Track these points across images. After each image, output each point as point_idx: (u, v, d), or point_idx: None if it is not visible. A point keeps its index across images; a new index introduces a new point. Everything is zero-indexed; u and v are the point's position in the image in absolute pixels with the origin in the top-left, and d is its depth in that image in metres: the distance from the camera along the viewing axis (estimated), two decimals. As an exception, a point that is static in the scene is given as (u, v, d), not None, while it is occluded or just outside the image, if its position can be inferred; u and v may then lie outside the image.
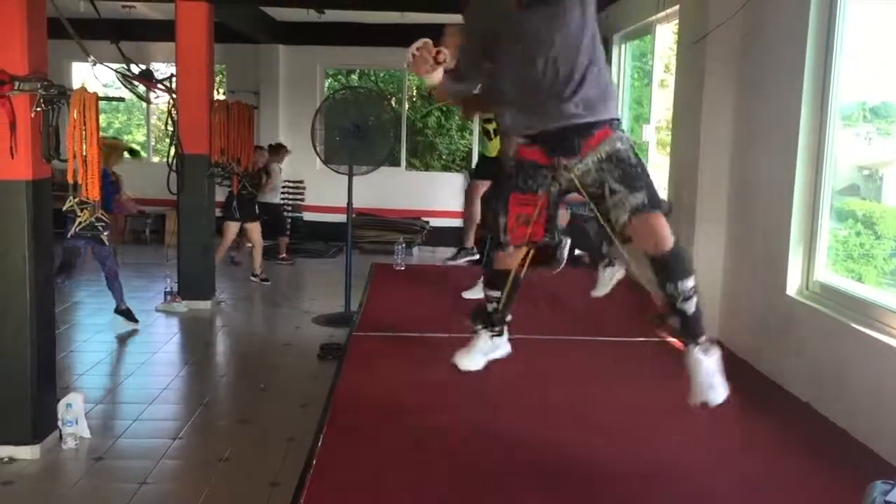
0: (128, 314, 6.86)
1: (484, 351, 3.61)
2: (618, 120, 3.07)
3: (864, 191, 4.76)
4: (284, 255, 10.40)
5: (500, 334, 3.63)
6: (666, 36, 7.20)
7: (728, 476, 3.39)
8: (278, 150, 10.46)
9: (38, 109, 4.04)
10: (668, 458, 3.52)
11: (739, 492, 3.28)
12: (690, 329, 3.04)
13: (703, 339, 3.02)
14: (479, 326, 3.59)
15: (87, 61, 5.26)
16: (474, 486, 3.25)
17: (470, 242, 6.44)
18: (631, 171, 2.98)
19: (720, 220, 5.33)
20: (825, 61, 4.31)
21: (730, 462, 3.52)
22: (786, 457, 3.60)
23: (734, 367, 4.83)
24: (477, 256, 6.27)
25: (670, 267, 2.97)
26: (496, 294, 3.54)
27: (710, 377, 3.02)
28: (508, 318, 3.63)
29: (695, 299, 2.98)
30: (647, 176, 3.03)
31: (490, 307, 3.58)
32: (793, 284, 4.50)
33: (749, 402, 4.27)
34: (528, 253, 3.33)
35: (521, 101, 3.05)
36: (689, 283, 2.97)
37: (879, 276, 4.34)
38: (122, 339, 6.58)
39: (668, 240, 2.95)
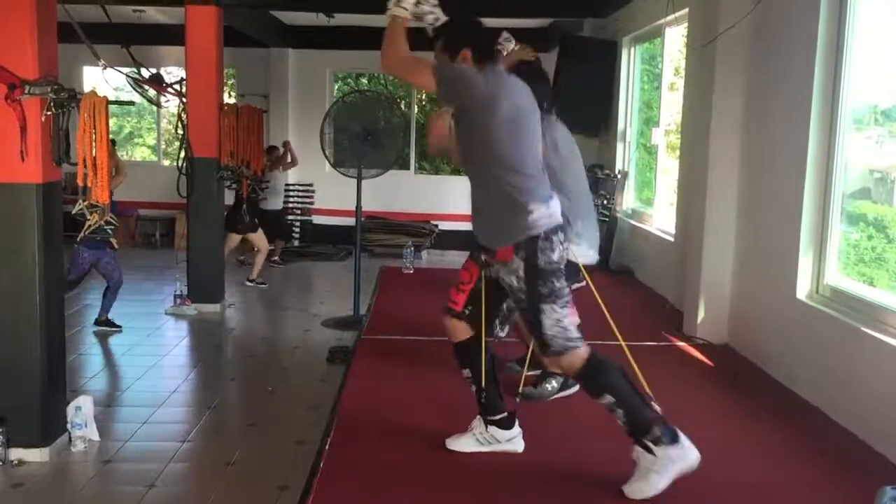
0: (108, 323, 6.84)
1: (478, 439, 3.42)
2: (530, 239, 3.00)
3: (875, 194, 4.72)
4: (276, 257, 10.37)
5: (500, 425, 3.39)
6: (675, 39, 7.18)
7: (738, 480, 3.37)
8: (270, 153, 10.38)
9: (49, 113, 4.05)
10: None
11: (749, 496, 3.26)
12: (627, 429, 3.06)
13: (644, 438, 3.00)
14: (472, 390, 3.42)
15: (98, 65, 5.29)
16: (482, 491, 3.24)
17: None
18: (522, 304, 3.09)
19: (730, 223, 5.31)
20: (835, 64, 4.29)
21: (740, 466, 3.50)
22: (796, 461, 3.58)
23: (745, 372, 4.83)
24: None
25: (582, 384, 3.15)
26: (465, 372, 3.42)
27: (638, 478, 3.03)
28: (508, 414, 3.41)
29: (619, 411, 3.02)
30: (538, 310, 3.02)
31: (472, 390, 3.42)
32: (803, 288, 4.48)
33: (759, 406, 4.26)
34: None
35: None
36: (605, 400, 3.03)
37: (891, 279, 4.31)
38: (131, 343, 6.59)
39: (568, 372, 3.14)
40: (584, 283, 5.22)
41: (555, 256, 3.02)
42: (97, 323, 6.79)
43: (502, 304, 3.33)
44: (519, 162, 3.03)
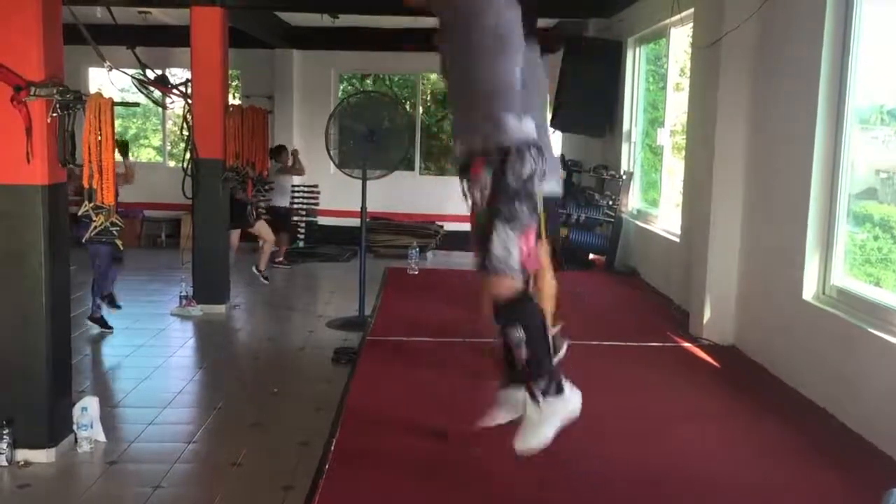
0: (101, 322, 6.86)
1: (545, 422, 3.07)
2: (499, 151, 2.95)
3: (881, 194, 4.71)
4: (282, 258, 10.38)
5: (558, 391, 3.07)
6: (681, 39, 7.17)
7: (744, 481, 3.36)
8: (279, 153, 10.43)
9: (54, 115, 4.06)
10: (683, 462, 3.50)
11: (755, 496, 3.25)
12: (524, 371, 3.03)
13: (536, 386, 2.98)
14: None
15: (104, 67, 5.30)
16: (487, 492, 3.24)
17: None
18: (482, 219, 2.99)
19: (735, 224, 5.30)
20: (841, 64, 4.28)
21: (746, 467, 3.49)
22: (802, 462, 3.57)
23: (751, 373, 4.82)
24: None
25: (499, 313, 3.01)
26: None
27: (527, 432, 3.00)
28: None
29: (525, 349, 2.96)
30: (492, 225, 2.93)
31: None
32: (809, 289, 4.47)
33: (765, 406, 4.25)
34: None
35: None
36: (516, 332, 2.96)
37: (898, 280, 4.30)
38: (137, 344, 6.60)
39: (495, 294, 2.97)
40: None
41: (525, 171, 2.93)
42: (89, 318, 6.84)
43: None
44: (500, 72, 2.99)
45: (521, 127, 2.99)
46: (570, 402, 3.02)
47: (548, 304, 3.87)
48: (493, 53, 2.99)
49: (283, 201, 10.50)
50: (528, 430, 3.00)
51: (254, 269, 9.11)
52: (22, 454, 4.15)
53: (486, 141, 2.97)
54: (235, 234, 8.94)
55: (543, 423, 2.98)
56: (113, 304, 6.92)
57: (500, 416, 3.33)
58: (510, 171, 2.91)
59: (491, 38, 2.96)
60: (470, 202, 3.05)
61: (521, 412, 3.11)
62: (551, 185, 4.05)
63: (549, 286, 3.99)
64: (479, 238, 3.00)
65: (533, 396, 2.98)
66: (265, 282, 9.07)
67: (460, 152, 3.11)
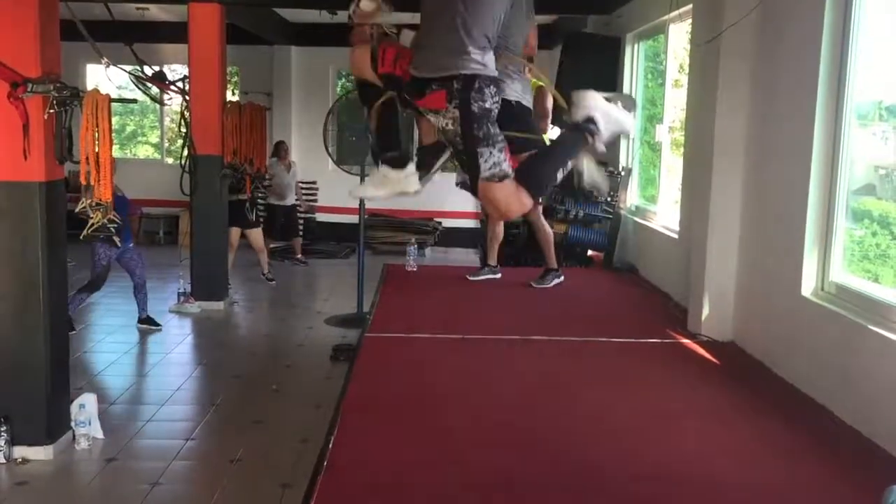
0: (149, 321, 6.89)
1: (373, 184, 3.60)
2: (462, 84, 3.06)
3: (880, 191, 4.71)
4: (299, 255, 10.41)
5: (392, 164, 3.54)
6: (680, 35, 7.16)
7: (742, 477, 3.36)
8: (278, 149, 10.38)
9: (51, 111, 4.05)
10: (682, 460, 3.49)
11: (753, 493, 3.25)
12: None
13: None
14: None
15: (101, 63, 5.28)
16: (487, 488, 3.24)
17: (493, 260, 6.57)
18: (458, 146, 3.18)
19: (734, 220, 5.29)
20: (840, 60, 4.27)
21: (744, 463, 3.48)
22: (801, 460, 3.57)
23: (750, 369, 4.82)
24: (499, 275, 6.57)
25: (529, 181, 3.17)
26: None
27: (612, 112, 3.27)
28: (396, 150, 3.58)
29: (591, 126, 3.22)
30: (476, 153, 3.07)
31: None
32: (808, 285, 4.46)
33: (764, 403, 4.24)
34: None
35: None
36: (558, 176, 3.25)
37: (896, 276, 4.29)
38: (136, 341, 6.60)
39: (519, 207, 3.18)
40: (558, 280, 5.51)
41: (487, 105, 3.06)
42: (139, 321, 6.86)
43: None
44: (486, 15, 3.10)
45: (483, 61, 3.09)
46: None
47: None
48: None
49: (289, 199, 10.43)
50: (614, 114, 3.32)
51: (261, 275, 9.09)
52: (20, 451, 4.15)
53: (449, 69, 3.07)
54: (235, 233, 8.93)
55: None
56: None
57: None
58: (475, 104, 3.04)
59: None
60: (442, 125, 3.19)
61: None
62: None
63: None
64: (468, 164, 3.14)
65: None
66: (272, 283, 9.06)
67: (419, 72, 3.17)
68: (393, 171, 3.52)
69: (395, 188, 3.54)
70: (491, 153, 3.05)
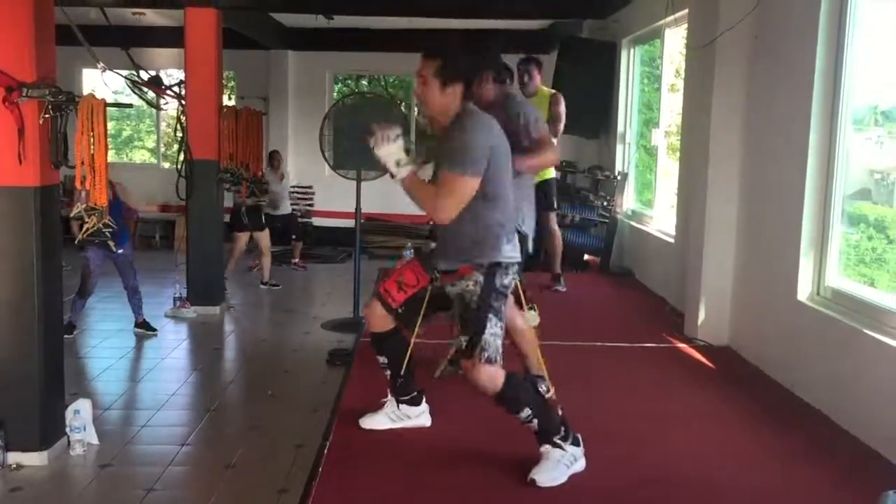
0: (145, 326, 6.86)
1: (390, 416, 3.80)
2: (493, 264, 3.29)
3: (875, 195, 4.72)
4: (297, 260, 10.39)
5: (411, 403, 3.77)
6: (676, 40, 7.17)
7: (739, 481, 3.36)
8: (271, 159, 10.31)
9: (47, 116, 4.03)
10: (679, 463, 3.49)
11: (749, 498, 3.25)
12: (538, 437, 3.33)
13: (552, 439, 3.30)
14: (387, 375, 3.75)
15: (97, 68, 5.28)
16: (482, 496, 3.23)
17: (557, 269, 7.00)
18: (467, 316, 3.31)
19: (730, 225, 5.30)
20: (835, 65, 4.28)
21: (741, 468, 3.48)
22: (798, 464, 3.57)
23: (746, 374, 4.82)
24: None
25: (500, 404, 3.31)
26: (382, 359, 3.73)
27: (550, 468, 3.28)
28: (417, 391, 3.78)
29: (535, 421, 3.28)
30: (482, 324, 3.24)
31: (386, 374, 3.72)
32: (804, 290, 4.47)
33: (760, 407, 4.24)
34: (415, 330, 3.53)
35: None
36: (523, 414, 3.28)
37: (892, 280, 4.30)
38: (131, 346, 6.57)
39: (485, 388, 3.27)
40: (565, 289, 5.46)
41: (507, 282, 3.31)
42: (136, 326, 6.83)
43: (435, 313, 3.54)
44: (501, 199, 3.28)
45: (512, 247, 3.34)
46: (581, 459, 3.36)
47: (531, 350, 4.13)
48: (497, 185, 3.26)
49: (285, 208, 10.41)
50: (553, 468, 3.28)
51: (261, 285, 9.07)
52: (14, 457, 4.12)
53: (482, 259, 3.30)
54: (245, 239, 8.91)
55: (567, 464, 3.30)
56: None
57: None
58: (498, 280, 3.28)
59: (492, 171, 3.21)
60: (463, 287, 3.34)
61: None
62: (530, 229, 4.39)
63: (529, 333, 4.15)
64: (469, 324, 3.30)
65: (556, 445, 3.30)
66: (276, 287, 9.05)
67: (449, 264, 3.40)
68: (411, 409, 3.85)
69: (408, 424, 3.84)
70: (496, 324, 3.26)
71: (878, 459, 3.56)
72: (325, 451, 3.59)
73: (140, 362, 6.17)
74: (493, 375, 3.24)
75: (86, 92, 4.71)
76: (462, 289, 3.32)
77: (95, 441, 4.41)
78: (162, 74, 7.60)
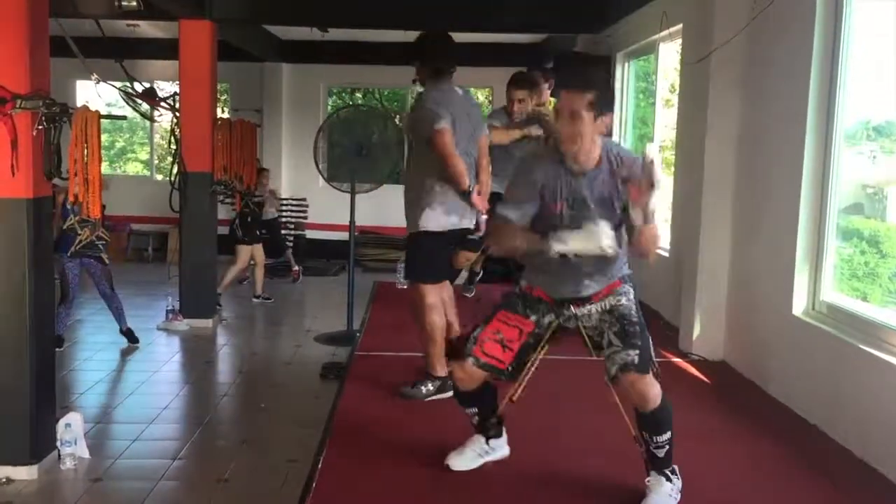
0: (129, 335, 6.83)
1: (478, 452, 3.52)
2: (628, 274, 3.26)
3: (868, 209, 4.74)
4: (295, 267, 10.41)
5: (496, 436, 3.52)
6: (670, 55, 7.20)
7: (733, 497, 3.34)
8: (259, 174, 10.27)
9: (40, 127, 4.02)
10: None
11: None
12: (655, 464, 3.19)
13: (666, 471, 3.18)
14: (474, 421, 3.50)
15: (91, 79, 5.26)
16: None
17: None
18: (629, 329, 3.12)
19: (725, 239, 5.31)
20: (830, 80, 4.30)
21: (736, 484, 3.47)
22: (793, 479, 3.56)
23: (741, 388, 4.81)
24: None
25: (649, 421, 3.12)
26: (472, 410, 3.48)
27: (664, 499, 3.16)
28: (498, 420, 3.50)
29: (666, 448, 3.13)
30: (645, 337, 3.12)
31: (473, 420, 3.50)
32: (799, 305, 4.46)
33: (755, 422, 4.23)
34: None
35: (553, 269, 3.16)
36: (664, 436, 3.11)
37: (884, 294, 4.31)
38: (123, 358, 6.54)
39: (652, 402, 3.07)
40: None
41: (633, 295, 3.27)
42: (120, 333, 6.79)
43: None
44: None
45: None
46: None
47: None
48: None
49: (270, 214, 10.39)
50: (664, 501, 3.15)
51: (253, 299, 9.04)
52: (3, 471, 4.09)
53: (620, 271, 3.28)
54: (248, 252, 8.90)
55: (675, 497, 3.17)
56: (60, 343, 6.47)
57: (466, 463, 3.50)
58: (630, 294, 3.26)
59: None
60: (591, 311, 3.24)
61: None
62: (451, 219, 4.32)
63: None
64: (624, 336, 3.14)
65: (668, 478, 3.17)
66: (269, 301, 9.02)
67: (596, 286, 3.24)
68: (496, 441, 3.55)
69: (494, 456, 3.55)
70: (648, 338, 3.13)
71: (874, 475, 3.55)
72: (319, 466, 3.56)
73: (131, 375, 6.14)
74: (660, 390, 3.10)
75: (80, 104, 4.69)
76: (613, 304, 3.18)
77: (86, 455, 4.37)
78: (156, 86, 7.57)
